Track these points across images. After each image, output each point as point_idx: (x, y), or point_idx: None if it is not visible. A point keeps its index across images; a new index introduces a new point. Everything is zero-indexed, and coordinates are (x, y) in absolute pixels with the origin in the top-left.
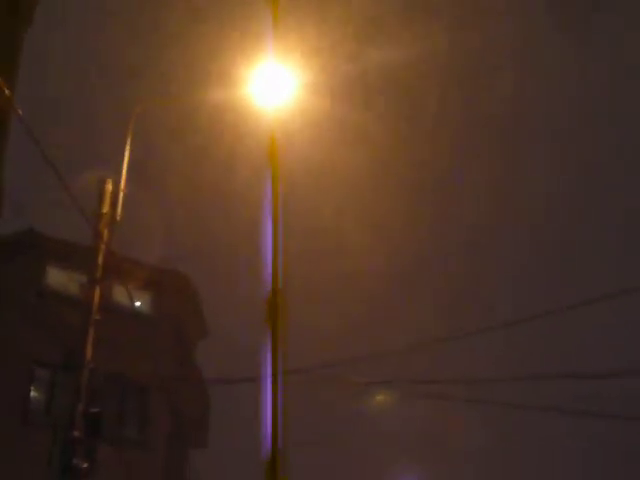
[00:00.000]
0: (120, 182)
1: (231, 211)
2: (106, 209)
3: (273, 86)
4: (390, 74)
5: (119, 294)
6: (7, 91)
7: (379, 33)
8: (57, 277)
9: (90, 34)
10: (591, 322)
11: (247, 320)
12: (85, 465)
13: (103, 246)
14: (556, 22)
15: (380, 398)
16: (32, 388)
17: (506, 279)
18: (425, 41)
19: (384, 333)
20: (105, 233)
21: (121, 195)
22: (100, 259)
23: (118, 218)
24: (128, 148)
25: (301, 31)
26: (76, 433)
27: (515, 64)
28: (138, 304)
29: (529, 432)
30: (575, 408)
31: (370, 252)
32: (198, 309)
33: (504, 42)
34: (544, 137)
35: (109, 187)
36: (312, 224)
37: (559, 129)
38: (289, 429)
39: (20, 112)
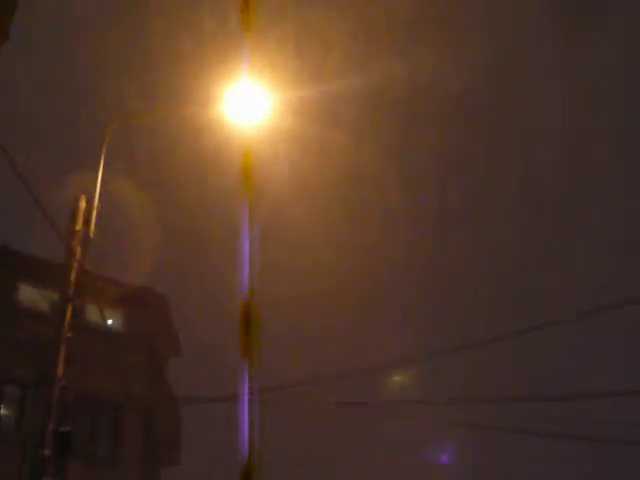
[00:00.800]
0: (94, 199)
1: (206, 228)
2: (79, 226)
3: (247, 104)
4: (366, 94)
5: (91, 312)
6: None
7: (358, 53)
8: (29, 294)
9: (66, 50)
10: (559, 343)
11: (221, 339)
12: None
13: (76, 264)
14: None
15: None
16: (2, 405)
17: (477, 299)
18: (402, 62)
19: (360, 352)
20: (78, 250)
21: (95, 212)
22: (72, 276)
23: (91, 235)
24: (102, 166)
25: (277, 51)
26: (46, 451)
27: (491, 84)
28: (110, 322)
29: (499, 453)
30: (543, 429)
31: (342, 270)
32: (171, 327)
33: (479, 63)
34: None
35: (82, 204)
36: (282, 239)
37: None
38: (263, 445)
39: None
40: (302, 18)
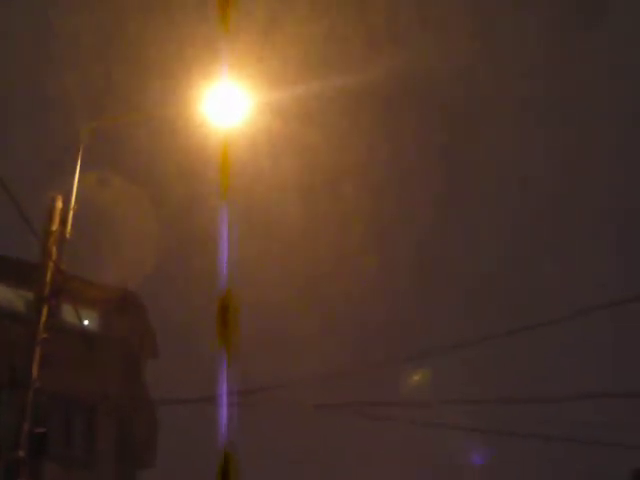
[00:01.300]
0: (71, 200)
1: (186, 230)
2: (55, 226)
3: (227, 105)
4: (347, 94)
5: (67, 312)
6: None
7: (338, 53)
8: (4, 294)
9: (41, 50)
10: (552, 343)
11: (199, 341)
12: None
13: (51, 263)
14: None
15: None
16: None
17: (459, 297)
18: (386, 62)
19: (340, 352)
20: (54, 250)
21: (71, 213)
22: (48, 277)
23: (68, 236)
24: (78, 166)
25: (256, 51)
26: (21, 453)
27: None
28: (86, 323)
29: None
30: (530, 431)
31: (325, 269)
32: (149, 329)
33: (462, 57)
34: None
35: (59, 204)
36: (262, 238)
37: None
38: (249, 447)
39: None
40: (280, 18)
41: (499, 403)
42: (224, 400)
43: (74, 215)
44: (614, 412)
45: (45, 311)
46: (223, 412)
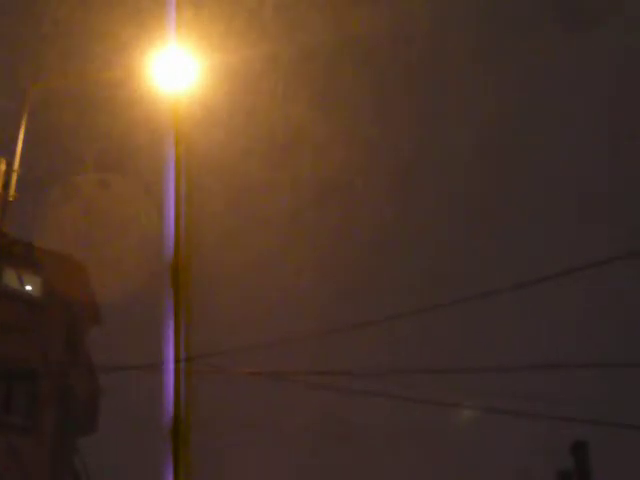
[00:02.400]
0: (14, 162)
1: (133, 196)
2: None
3: (175, 71)
4: (299, 59)
5: (9, 277)
6: None
7: (290, 17)
8: None
9: None
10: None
11: (143, 307)
12: None
13: None
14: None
15: None
16: None
17: (415, 265)
18: (339, 26)
19: (285, 320)
20: None
21: (14, 175)
22: None
23: (11, 199)
24: (23, 128)
25: (203, 16)
26: None
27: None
28: (29, 288)
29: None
30: (480, 403)
31: (272, 234)
32: (91, 295)
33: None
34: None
35: (2, 167)
36: (212, 204)
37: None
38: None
39: None
40: None
41: (440, 373)
42: (170, 366)
43: (18, 178)
44: (560, 384)
45: None
46: (169, 378)
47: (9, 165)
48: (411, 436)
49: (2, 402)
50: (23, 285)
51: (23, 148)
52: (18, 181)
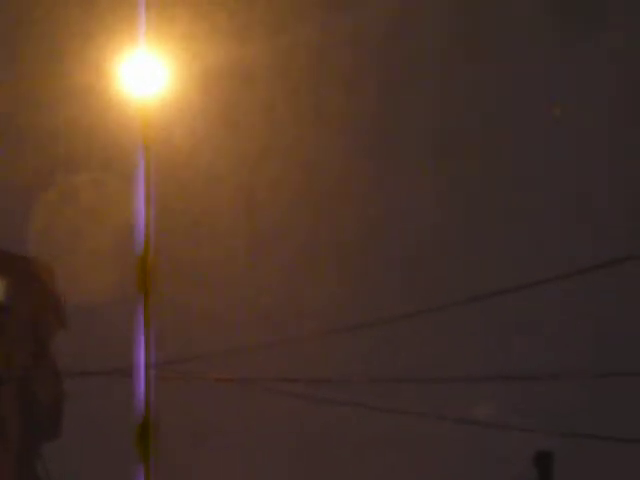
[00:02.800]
0: None
1: (103, 198)
2: None
3: (144, 73)
4: (270, 61)
5: None
6: None
7: (264, 17)
8: None
9: None
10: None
11: (111, 312)
12: None
13: None
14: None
15: None
16: None
17: (392, 272)
18: (315, 28)
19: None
20: None
21: None
22: None
23: None
24: None
25: (175, 16)
26: None
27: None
28: None
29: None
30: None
31: (243, 237)
32: (57, 299)
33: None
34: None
35: None
36: (183, 209)
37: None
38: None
39: None
40: None
41: (406, 382)
42: (140, 372)
43: None
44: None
45: None
46: (140, 382)
47: None
48: (377, 446)
49: None
50: None
51: None
52: None
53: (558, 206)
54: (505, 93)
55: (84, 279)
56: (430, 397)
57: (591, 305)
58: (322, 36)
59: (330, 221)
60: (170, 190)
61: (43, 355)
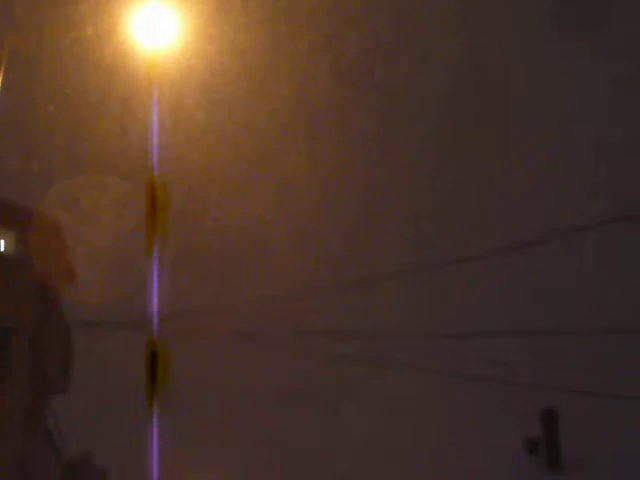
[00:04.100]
0: None
1: (112, 153)
2: None
3: (154, 27)
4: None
5: None
6: None
7: None
8: None
9: None
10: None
11: (117, 268)
12: None
13: None
14: None
15: None
16: None
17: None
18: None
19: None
20: None
21: None
22: None
23: None
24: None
25: None
26: None
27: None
28: (2, 243)
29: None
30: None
31: (256, 189)
32: (65, 252)
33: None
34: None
35: None
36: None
37: None
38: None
39: None
40: None
41: (412, 338)
42: (154, 322)
43: None
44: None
45: None
46: (152, 334)
47: None
48: (385, 401)
49: None
50: None
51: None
52: None
53: (563, 163)
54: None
55: (94, 231)
56: (438, 353)
57: (593, 263)
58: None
59: (345, 171)
60: (181, 140)
61: (53, 307)
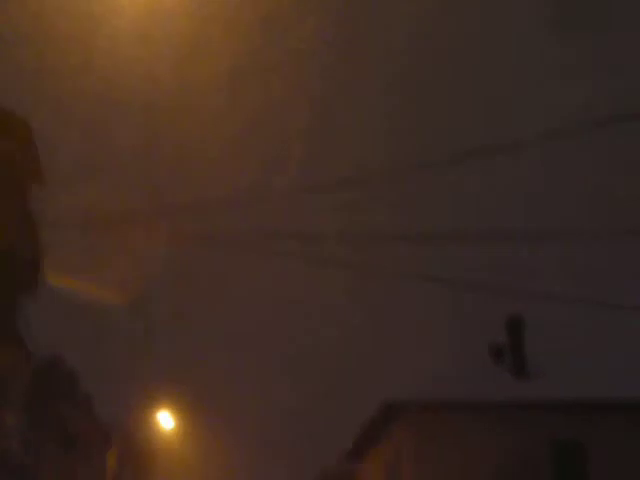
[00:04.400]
0: None
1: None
2: None
3: None
4: None
5: None
6: None
7: None
8: None
9: None
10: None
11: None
12: None
13: None
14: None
15: None
16: None
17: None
18: None
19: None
20: None
21: None
22: None
23: None
24: None
25: None
26: None
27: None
28: None
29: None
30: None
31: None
32: (35, 153)
33: None
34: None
35: None
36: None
37: None
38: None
39: None
40: None
41: (383, 240)
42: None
43: None
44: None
45: None
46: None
47: None
48: (351, 303)
49: None
50: None
51: None
52: None
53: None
54: None
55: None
56: (408, 256)
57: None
58: None
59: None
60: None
61: (20, 207)
